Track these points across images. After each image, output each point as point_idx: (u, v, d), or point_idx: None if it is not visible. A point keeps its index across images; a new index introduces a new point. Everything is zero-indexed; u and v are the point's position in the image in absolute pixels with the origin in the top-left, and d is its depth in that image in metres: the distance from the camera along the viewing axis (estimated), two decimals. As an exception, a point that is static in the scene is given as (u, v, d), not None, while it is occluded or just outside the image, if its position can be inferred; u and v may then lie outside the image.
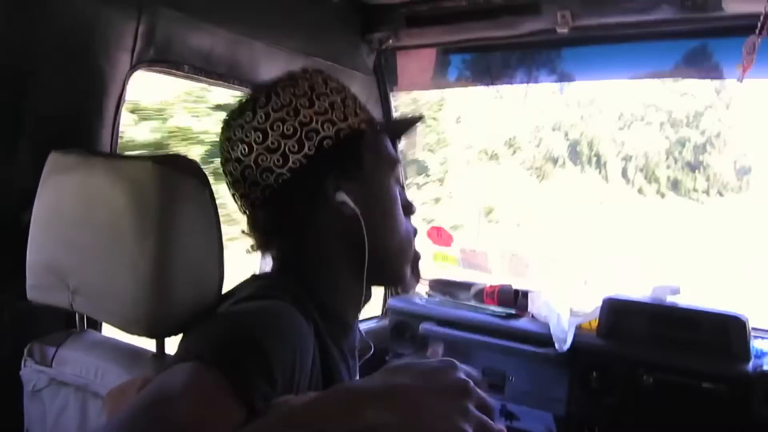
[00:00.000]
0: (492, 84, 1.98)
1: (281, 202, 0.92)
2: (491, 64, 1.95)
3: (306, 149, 0.90)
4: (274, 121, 0.90)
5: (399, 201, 1.01)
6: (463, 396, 0.60)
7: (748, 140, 27.61)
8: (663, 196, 27.25)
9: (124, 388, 0.89)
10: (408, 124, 1.11)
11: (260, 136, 0.90)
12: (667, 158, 27.79)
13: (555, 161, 23.44)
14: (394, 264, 1.01)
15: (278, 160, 0.90)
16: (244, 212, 0.98)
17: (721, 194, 27.89)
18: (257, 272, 1.03)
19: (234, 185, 0.95)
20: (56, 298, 1.02)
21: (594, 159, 24.97)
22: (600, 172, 25.08)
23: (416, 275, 1.05)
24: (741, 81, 1.47)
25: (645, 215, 21.37)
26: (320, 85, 0.95)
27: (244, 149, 0.91)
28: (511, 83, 1.95)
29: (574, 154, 24.44)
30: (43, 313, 1.12)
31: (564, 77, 1.87)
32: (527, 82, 1.92)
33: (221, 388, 0.65)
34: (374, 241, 0.94)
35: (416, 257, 1.05)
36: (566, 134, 24.53)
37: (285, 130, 0.90)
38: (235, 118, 0.94)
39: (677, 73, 1.75)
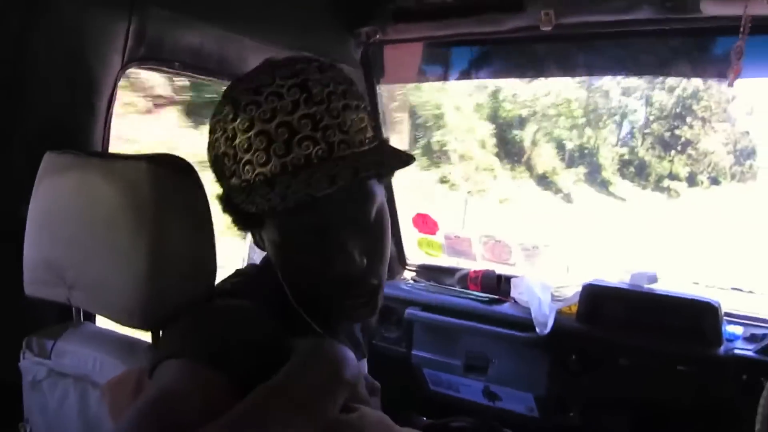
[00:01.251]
0: (477, 77, 2.03)
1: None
2: (475, 58, 1.99)
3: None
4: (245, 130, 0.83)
5: (312, 256, 0.86)
6: None
7: (746, 113, 22.26)
8: (608, 185, 20.42)
9: (122, 379, 0.94)
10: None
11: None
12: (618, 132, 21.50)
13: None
14: (322, 310, 0.95)
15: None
16: None
17: (716, 182, 22.21)
18: (241, 267, 1.06)
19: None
20: (53, 293, 1.06)
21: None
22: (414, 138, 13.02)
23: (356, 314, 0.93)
24: (731, 85, 1.52)
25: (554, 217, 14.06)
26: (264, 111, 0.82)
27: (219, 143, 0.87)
28: (494, 77, 2.00)
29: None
30: (38, 307, 1.16)
31: (547, 73, 1.92)
32: (511, 77, 1.96)
33: (214, 379, 0.72)
34: (290, 280, 0.93)
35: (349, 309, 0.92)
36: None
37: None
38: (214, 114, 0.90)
39: (666, 71, 1.79)
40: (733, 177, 22.93)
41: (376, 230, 0.88)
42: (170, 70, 1.44)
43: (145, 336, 1.02)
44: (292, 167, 0.80)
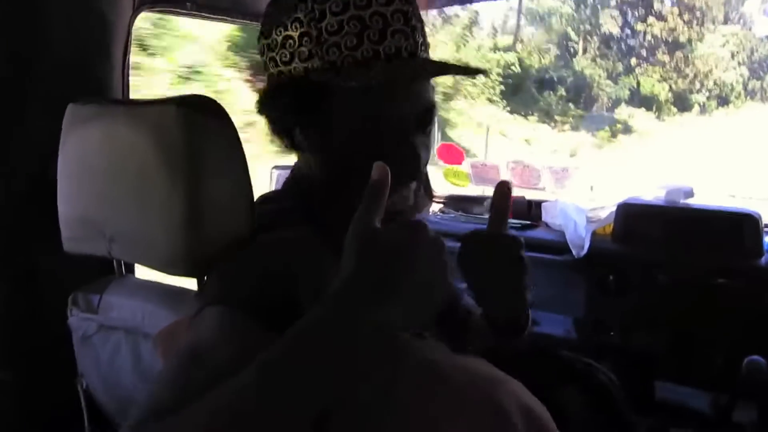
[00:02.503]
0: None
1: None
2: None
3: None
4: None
5: (376, 137, 0.84)
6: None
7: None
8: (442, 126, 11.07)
9: (173, 329, 0.93)
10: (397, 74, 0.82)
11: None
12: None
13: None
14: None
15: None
16: None
17: (725, 102, 15.47)
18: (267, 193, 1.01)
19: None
20: (93, 248, 1.04)
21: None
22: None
23: None
24: None
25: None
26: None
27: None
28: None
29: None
30: (79, 263, 1.16)
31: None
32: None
33: (253, 330, 0.70)
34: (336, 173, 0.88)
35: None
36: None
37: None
38: None
39: None
40: (752, 95, 16.32)
41: (431, 135, 0.90)
42: (183, 11, 1.38)
43: (191, 283, 1.02)
44: (385, 55, 0.80)
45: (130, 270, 1.23)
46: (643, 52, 15.37)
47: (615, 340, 2.00)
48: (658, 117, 15.05)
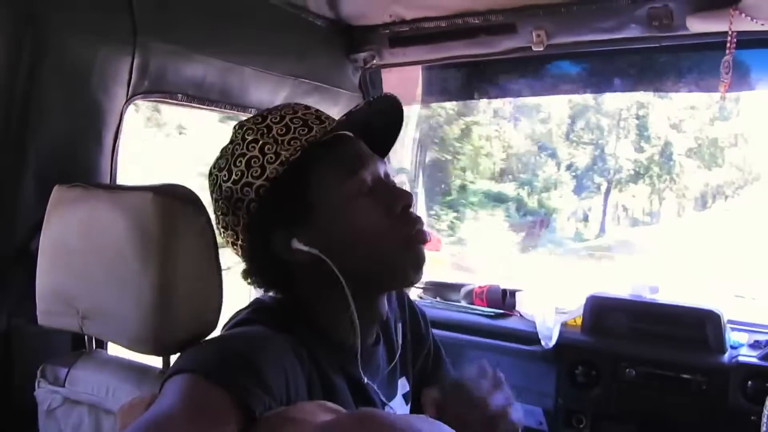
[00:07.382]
0: (478, 98, 2.07)
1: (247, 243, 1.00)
2: (473, 79, 2.03)
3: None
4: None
5: (372, 209, 0.96)
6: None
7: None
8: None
9: (134, 404, 0.97)
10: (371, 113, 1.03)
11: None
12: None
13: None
14: (386, 274, 0.99)
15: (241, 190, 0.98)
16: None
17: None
18: (259, 297, 1.06)
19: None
20: (66, 323, 1.09)
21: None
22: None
23: (416, 272, 0.99)
24: (724, 99, 1.57)
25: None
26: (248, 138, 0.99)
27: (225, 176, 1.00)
28: (494, 97, 2.04)
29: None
30: (51, 336, 1.20)
31: (544, 91, 1.95)
32: (510, 96, 2.01)
33: (217, 395, 0.72)
34: (352, 265, 0.95)
35: (416, 257, 0.98)
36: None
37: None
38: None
39: (657, 87, 1.83)
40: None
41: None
42: (174, 102, 1.48)
43: (157, 361, 1.06)
44: (331, 128, 0.98)
45: (102, 346, 1.27)
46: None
47: (585, 432, 2.02)
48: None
